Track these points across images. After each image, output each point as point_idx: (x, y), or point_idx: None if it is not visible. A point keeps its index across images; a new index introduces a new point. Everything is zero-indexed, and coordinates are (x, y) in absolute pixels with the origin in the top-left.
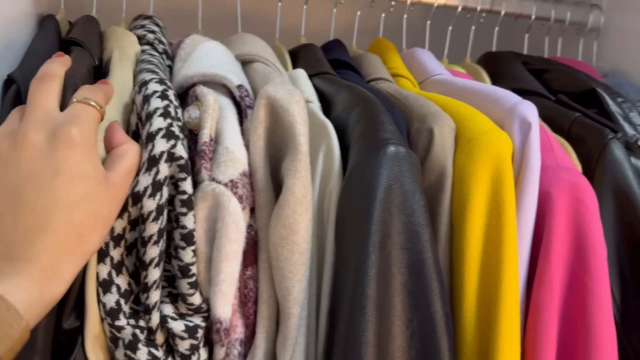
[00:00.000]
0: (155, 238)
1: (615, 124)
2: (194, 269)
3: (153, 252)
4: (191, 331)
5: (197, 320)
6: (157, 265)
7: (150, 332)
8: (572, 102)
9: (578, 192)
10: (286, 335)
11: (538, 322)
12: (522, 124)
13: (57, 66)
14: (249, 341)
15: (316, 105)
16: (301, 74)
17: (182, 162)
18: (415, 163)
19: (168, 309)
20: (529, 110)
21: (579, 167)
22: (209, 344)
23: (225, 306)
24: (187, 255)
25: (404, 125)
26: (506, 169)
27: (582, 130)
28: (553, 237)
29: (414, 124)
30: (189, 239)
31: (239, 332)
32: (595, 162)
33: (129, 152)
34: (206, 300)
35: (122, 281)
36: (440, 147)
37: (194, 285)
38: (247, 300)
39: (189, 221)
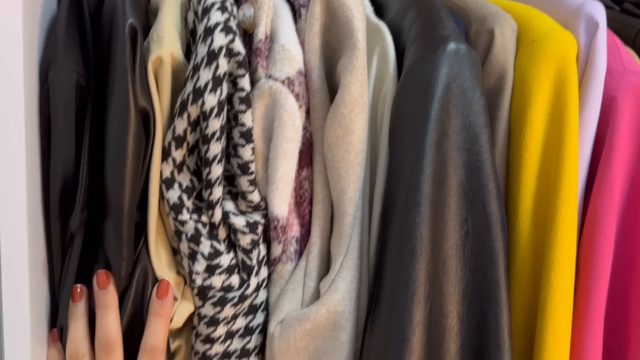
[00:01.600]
0: (217, 134)
1: None
2: (252, 167)
3: (216, 148)
4: (252, 227)
5: (257, 217)
6: (219, 161)
7: (213, 227)
8: (638, 11)
9: None
10: (341, 233)
11: (596, 229)
12: (588, 24)
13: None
14: (304, 240)
15: (369, 9)
16: None
17: (240, 58)
18: (476, 62)
19: (229, 206)
20: (597, 9)
21: None
22: (267, 242)
23: (282, 204)
24: (246, 153)
25: (462, 28)
26: (571, 70)
27: None
28: (615, 143)
29: (473, 26)
30: (247, 136)
31: (295, 230)
32: None
33: (155, 320)
34: (264, 198)
35: (183, 179)
36: (500, 48)
37: (253, 183)
38: (303, 201)
39: (247, 119)
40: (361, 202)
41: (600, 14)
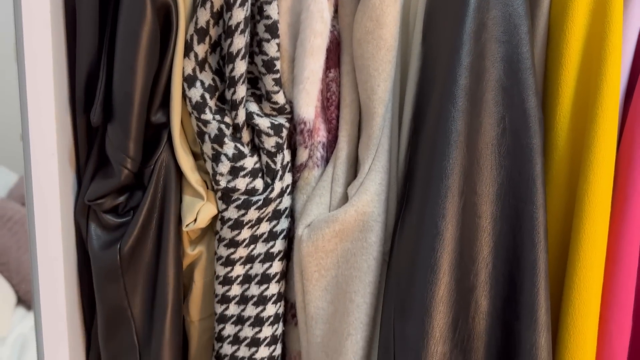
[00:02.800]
0: (242, 26)
1: None
2: (278, 65)
3: (240, 42)
4: (277, 129)
5: (282, 119)
6: (243, 57)
7: (236, 129)
8: None
9: None
10: (370, 135)
11: (635, 141)
12: None
13: None
14: (330, 145)
15: None
16: None
17: None
18: None
19: (253, 107)
20: None
21: None
22: (292, 149)
23: (309, 106)
24: (272, 49)
25: None
26: None
27: None
28: None
29: None
30: (273, 30)
31: (321, 135)
32: None
33: None
34: (289, 102)
35: (206, 77)
36: None
37: (278, 83)
38: (330, 104)
39: (273, 11)
40: (391, 103)
41: None
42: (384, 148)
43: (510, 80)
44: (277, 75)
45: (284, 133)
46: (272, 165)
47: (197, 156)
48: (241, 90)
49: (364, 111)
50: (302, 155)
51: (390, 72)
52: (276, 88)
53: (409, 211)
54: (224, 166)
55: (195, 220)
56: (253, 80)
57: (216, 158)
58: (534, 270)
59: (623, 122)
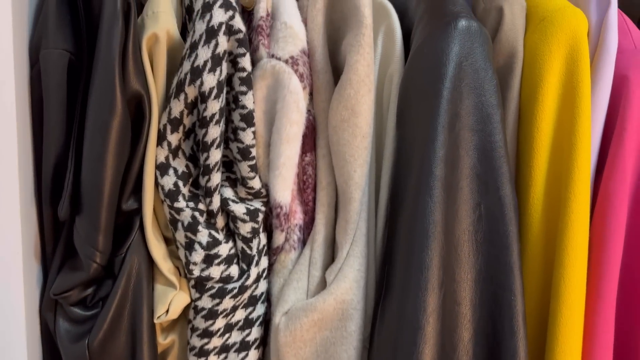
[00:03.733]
0: (217, 117)
1: None
2: (254, 152)
3: (215, 132)
4: (252, 214)
5: (257, 204)
6: (218, 146)
7: (211, 215)
8: None
9: None
10: (347, 219)
11: (607, 212)
12: (599, 2)
13: None
14: (307, 228)
15: None
16: None
17: (240, 35)
18: (487, 39)
19: (228, 192)
20: None
21: None
22: (268, 231)
23: (285, 191)
24: (247, 137)
25: (469, 6)
26: (582, 48)
27: None
28: (628, 123)
29: (480, 4)
30: (249, 119)
31: (298, 217)
32: None
33: None
34: (265, 185)
35: (179, 164)
36: (510, 26)
37: (254, 169)
38: (306, 187)
39: (249, 101)
40: (367, 187)
41: None
42: (361, 232)
43: (485, 168)
44: (253, 162)
45: (260, 218)
46: (248, 251)
47: (170, 241)
48: (216, 178)
49: (341, 195)
50: (279, 238)
51: (366, 158)
52: (252, 174)
53: (389, 300)
54: (198, 255)
55: (167, 311)
56: (228, 164)
57: (189, 246)
58: (515, 358)
59: (594, 203)
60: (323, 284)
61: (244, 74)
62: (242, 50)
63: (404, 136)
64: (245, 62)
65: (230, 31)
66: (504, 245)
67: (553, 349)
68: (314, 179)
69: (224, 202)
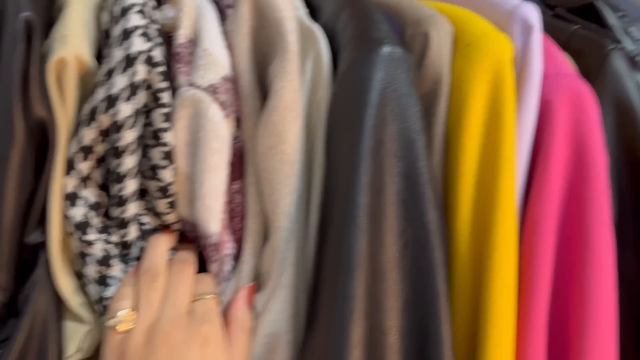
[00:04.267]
0: (132, 147)
1: (615, 37)
2: (171, 189)
3: (130, 162)
4: None
5: None
6: (134, 176)
7: (125, 246)
8: (570, 16)
9: (580, 100)
10: (274, 249)
11: (535, 235)
12: (523, 27)
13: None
14: (237, 259)
15: (302, 12)
16: None
17: (161, 68)
18: (411, 66)
19: (145, 220)
20: (531, 12)
21: None
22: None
23: (211, 221)
24: (168, 175)
25: (397, 31)
26: (507, 74)
27: (581, 43)
28: (552, 148)
29: (408, 29)
30: (170, 156)
31: (228, 247)
32: (596, 74)
33: (239, 333)
34: (186, 218)
35: (90, 194)
36: (436, 52)
37: (172, 205)
38: (235, 215)
39: (170, 137)
40: (297, 215)
41: (534, 16)
42: (289, 262)
43: (410, 194)
44: (172, 199)
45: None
46: None
47: (80, 275)
48: (131, 209)
49: (270, 223)
50: (213, 269)
51: (294, 186)
52: (169, 210)
53: (315, 331)
54: (111, 291)
55: (79, 349)
56: (142, 192)
57: (101, 281)
58: None
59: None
60: None
61: (167, 110)
62: (164, 84)
63: (331, 163)
64: (167, 97)
65: (151, 62)
66: (429, 273)
67: None
68: (242, 208)
69: (145, 232)
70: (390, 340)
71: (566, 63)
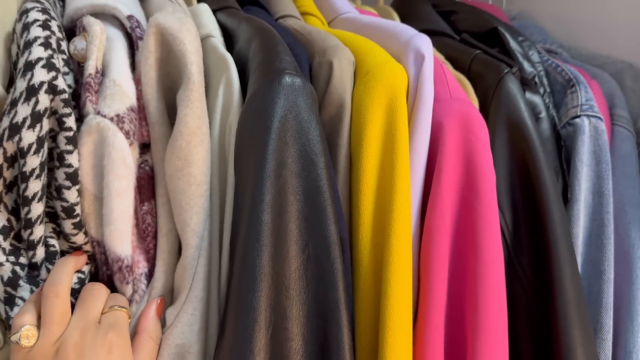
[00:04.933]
0: (37, 172)
1: (514, 61)
2: (78, 209)
3: (35, 186)
4: None
5: None
6: (40, 199)
7: (34, 267)
8: (474, 41)
9: (468, 122)
10: (185, 265)
11: (431, 245)
12: (416, 57)
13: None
14: (152, 275)
15: (218, 40)
16: (204, 8)
17: (65, 96)
18: (311, 94)
19: (53, 242)
20: (423, 43)
21: (475, 102)
22: (110, 282)
23: (123, 244)
24: (72, 195)
25: (306, 60)
26: (400, 99)
27: (481, 66)
28: (444, 165)
29: (316, 57)
30: (74, 177)
31: (142, 266)
32: (492, 96)
33: (148, 341)
34: (96, 240)
35: (0, 218)
36: (339, 79)
37: (78, 226)
38: (146, 235)
39: (74, 159)
40: (207, 233)
41: (426, 46)
42: (199, 277)
43: (311, 210)
44: (77, 220)
45: (86, 269)
46: (73, 302)
47: None
48: (38, 231)
49: (181, 241)
50: (126, 292)
51: (202, 206)
52: (75, 231)
53: (223, 341)
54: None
55: None
56: (52, 215)
57: (9, 301)
58: None
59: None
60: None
61: (70, 133)
62: (67, 110)
63: (239, 183)
64: (71, 121)
65: (54, 91)
66: (330, 282)
67: None
68: (154, 227)
69: (52, 254)
70: (295, 345)
71: (458, 88)
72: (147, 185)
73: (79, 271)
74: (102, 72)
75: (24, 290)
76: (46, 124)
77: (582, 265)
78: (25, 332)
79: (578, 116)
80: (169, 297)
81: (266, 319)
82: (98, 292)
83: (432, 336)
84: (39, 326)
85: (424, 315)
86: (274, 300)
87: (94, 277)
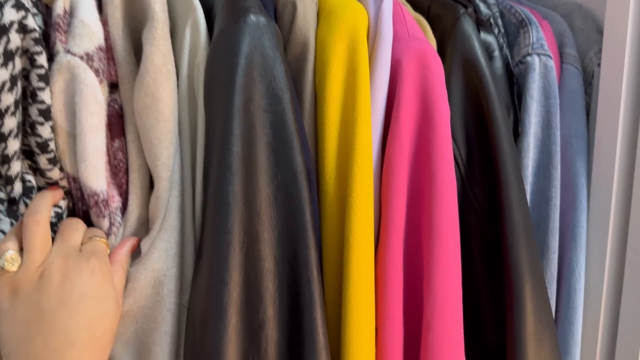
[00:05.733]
0: (12, 109)
1: (470, 2)
2: (52, 145)
3: (11, 123)
4: None
5: None
6: (15, 136)
7: (13, 202)
8: None
9: (425, 60)
10: (158, 196)
11: (390, 174)
12: None
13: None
14: (126, 209)
15: None
16: None
17: (35, 34)
18: (275, 32)
19: (29, 177)
20: None
21: (433, 42)
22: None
23: (98, 179)
24: (45, 131)
25: (271, 0)
26: (361, 38)
27: (439, 8)
28: (402, 99)
29: None
30: (46, 114)
31: (117, 201)
32: (449, 36)
33: (120, 271)
34: (71, 177)
35: None
36: (302, 19)
37: (53, 162)
38: (118, 171)
39: (46, 96)
40: (177, 167)
41: None
42: (172, 208)
43: (278, 143)
44: (51, 155)
45: (63, 204)
46: (53, 236)
47: None
48: (16, 166)
49: (153, 176)
50: (103, 225)
51: (171, 140)
52: (50, 166)
53: (201, 265)
54: None
55: None
56: (28, 152)
57: None
58: (311, 301)
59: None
60: (137, 258)
61: (42, 71)
62: (38, 48)
63: (209, 119)
64: (42, 59)
65: (24, 30)
66: (298, 208)
67: (347, 291)
68: (125, 163)
69: (28, 189)
70: (268, 265)
71: (416, 28)
72: (117, 123)
73: (56, 206)
74: (70, 13)
75: (4, 223)
76: (18, 63)
77: (531, 194)
78: (9, 257)
79: (529, 54)
80: (144, 230)
81: (240, 241)
82: (76, 225)
83: (392, 256)
84: (23, 255)
85: (385, 237)
86: (247, 224)
87: (72, 212)
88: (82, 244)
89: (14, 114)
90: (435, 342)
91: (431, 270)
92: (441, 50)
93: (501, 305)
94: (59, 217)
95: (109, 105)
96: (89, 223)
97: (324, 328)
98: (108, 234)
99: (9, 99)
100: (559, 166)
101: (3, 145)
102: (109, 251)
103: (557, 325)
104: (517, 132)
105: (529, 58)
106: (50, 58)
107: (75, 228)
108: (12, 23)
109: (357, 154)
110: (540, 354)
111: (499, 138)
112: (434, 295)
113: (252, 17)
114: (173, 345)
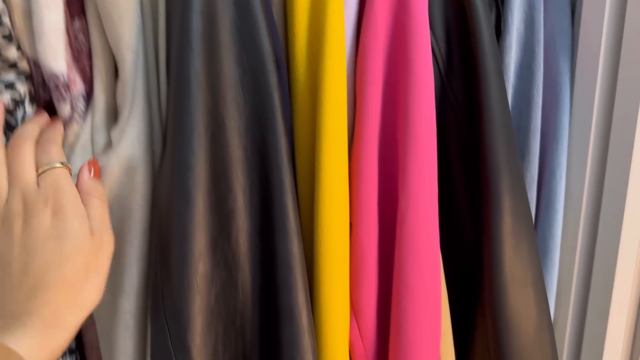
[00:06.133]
0: None
1: None
2: (5, 19)
3: None
4: (8, 86)
5: (12, 76)
6: None
7: None
8: None
9: None
10: (124, 81)
11: (365, 61)
12: None
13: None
14: (90, 96)
15: None
16: None
17: None
18: None
19: None
20: None
21: None
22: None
23: (57, 59)
24: None
25: None
26: None
27: None
28: None
29: None
30: None
31: (79, 86)
32: None
33: (92, 200)
34: (32, 60)
35: None
36: None
37: (8, 37)
38: (80, 54)
39: None
40: (141, 49)
41: None
42: (139, 92)
43: (243, 23)
44: (6, 30)
45: (22, 90)
46: (12, 122)
47: None
48: None
49: (116, 59)
50: (64, 110)
51: (134, 19)
52: (4, 42)
53: (167, 148)
54: None
55: None
56: None
57: None
58: (281, 189)
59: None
60: (108, 148)
61: None
62: None
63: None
64: None
65: None
66: (267, 93)
67: (319, 184)
68: (87, 46)
69: None
70: (237, 153)
71: None
72: (76, 0)
73: (13, 89)
74: None
75: None
76: None
77: (513, 95)
78: None
79: None
80: (113, 117)
81: (204, 123)
82: (21, 151)
83: (367, 149)
84: None
85: (360, 129)
86: (212, 107)
87: (33, 101)
88: (38, 174)
89: None
90: (410, 235)
91: (406, 164)
92: None
93: (479, 205)
94: (16, 104)
95: None
96: (52, 111)
97: (296, 215)
98: (72, 120)
99: None
100: (542, 65)
101: None
102: (70, 173)
103: (537, 227)
104: (500, 31)
105: None
106: None
107: (23, 157)
108: None
109: (328, 40)
110: (518, 251)
111: (480, 34)
112: (409, 189)
113: None
114: (146, 233)
